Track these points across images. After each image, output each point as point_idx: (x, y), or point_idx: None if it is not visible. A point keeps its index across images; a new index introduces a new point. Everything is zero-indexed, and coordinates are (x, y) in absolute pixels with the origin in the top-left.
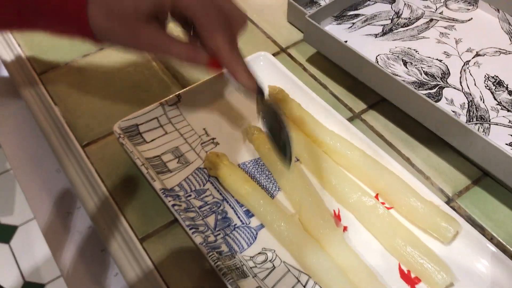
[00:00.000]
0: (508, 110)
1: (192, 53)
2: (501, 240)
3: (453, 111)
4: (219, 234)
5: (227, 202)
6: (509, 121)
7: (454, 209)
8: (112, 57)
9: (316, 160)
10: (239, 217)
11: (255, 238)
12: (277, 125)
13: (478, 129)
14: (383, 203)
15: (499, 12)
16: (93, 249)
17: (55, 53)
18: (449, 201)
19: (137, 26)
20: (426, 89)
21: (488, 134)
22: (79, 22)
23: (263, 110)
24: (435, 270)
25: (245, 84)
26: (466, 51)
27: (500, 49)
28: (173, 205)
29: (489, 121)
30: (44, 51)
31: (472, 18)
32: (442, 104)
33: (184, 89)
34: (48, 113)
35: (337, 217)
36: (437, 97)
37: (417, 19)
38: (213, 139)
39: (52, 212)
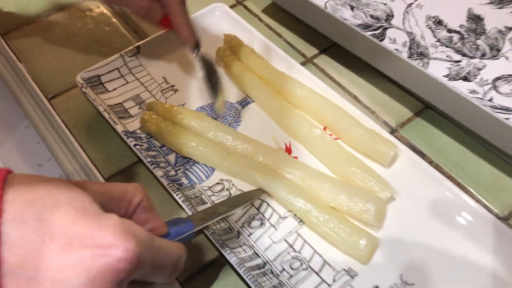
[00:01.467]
0: (446, 46)
1: (149, 8)
2: (440, 164)
3: (396, 49)
4: (180, 169)
5: None
6: (447, 55)
7: (397, 138)
8: (73, 16)
9: (269, 100)
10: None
11: (213, 170)
12: (212, 71)
13: (418, 63)
14: (330, 135)
15: None
16: None
17: (19, 14)
18: (392, 132)
19: None
20: (371, 31)
21: (428, 68)
22: None
23: (201, 62)
24: (376, 185)
25: (185, 39)
26: None
27: None
28: (135, 145)
29: (429, 57)
30: (6, 12)
31: None
32: (385, 43)
33: (143, 41)
34: (13, 70)
35: (288, 150)
36: (381, 37)
37: None
38: (172, 86)
39: (24, 165)
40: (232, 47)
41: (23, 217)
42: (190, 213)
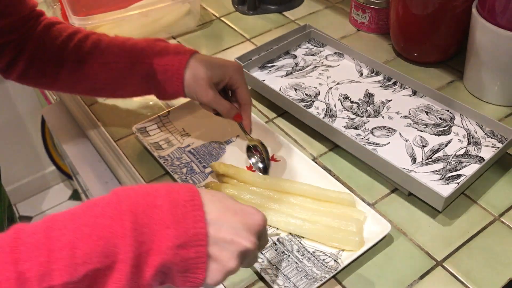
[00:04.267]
0: (348, 110)
1: (231, 110)
2: (340, 176)
3: (317, 113)
4: (188, 175)
5: (194, 162)
6: (347, 116)
7: (317, 163)
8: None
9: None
10: (199, 168)
11: (207, 176)
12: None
13: (329, 120)
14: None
15: (354, 60)
16: None
17: None
18: (314, 159)
19: (207, 87)
20: (304, 103)
21: (334, 122)
22: (178, 81)
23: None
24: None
25: (247, 129)
26: (332, 82)
27: (351, 80)
28: (164, 162)
29: (336, 116)
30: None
31: (339, 65)
32: (312, 110)
33: (171, 108)
34: (94, 127)
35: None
36: (310, 106)
37: (307, 66)
38: (187, 133)
39: (98, 183)
40: (222, 174)
41: (213, 203)
42: None
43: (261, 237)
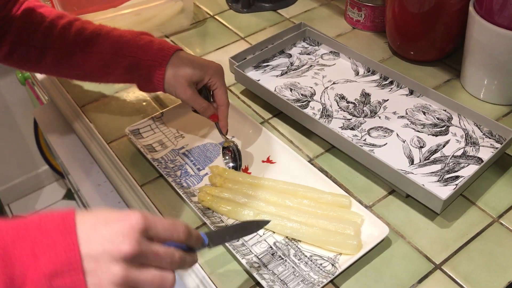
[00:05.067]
0: (344, 111)
1: (207, 109)
2: (336, 178)
3: (313, 113)
4: (183, 178)
5: (188, 165)
6: (343, 116)
7: (313, 165)
8: (129, 96)
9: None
10: (193, 171)
11: (201, 179)
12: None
13: (325, 121)
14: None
15: (350, 59)
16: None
17: (92, 94)
18: (310, 160)
19: (186, 85)
20: (300, 103)
21: (330, 123)
22: (159, 77)
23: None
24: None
25: (223, 130)
26: (328, 81)
27: (347, 79)
28: (157, 165)
29: (332, 117)
30: (86, 89)
31: (335, 64)
32: (307, 110)
33: (164, 109)
34: (86, 128)
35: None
36: (306, 106)
37: (303, 66)
38: (181, 134)
39: (90, 186)
40: (219, 174)
41: (85, 220)
42: (199, 214)
43: (155, 235)
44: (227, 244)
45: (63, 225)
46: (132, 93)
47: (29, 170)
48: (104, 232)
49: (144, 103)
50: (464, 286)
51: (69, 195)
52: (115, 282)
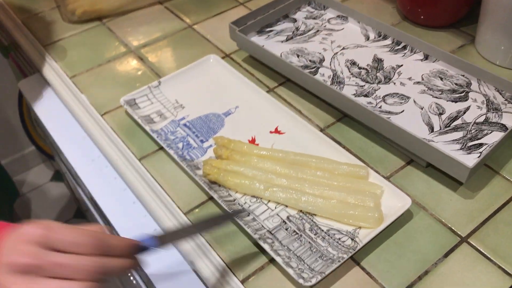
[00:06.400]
0: (356, 77)
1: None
2: (350, 148)
3: (324, 80)
4: (185, 151)
5: (190, 136)
6: (356, 83)
7: (325, 135)
8: (121, 63)
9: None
10: (196, 143)
11: (205, 152)
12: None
13: (337, 87)
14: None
15: (359, 23)
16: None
17: (83, 63)
18: (321, 130)
19: None
20: (309, 69)
21: (342, 90)
22: None
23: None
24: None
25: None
26: (337, 47)
27: (357, 44)
28: (157, 136)
29: (344, 83)
30: (73, 60)
31: (344, 28)
32: (317, 76)
33: (162, 78)
34: (77, 99)
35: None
36: (315, 73)
37: (309, 31)
38: (180, 104)
39: (83, 158)
40: (223, 144)
41: None
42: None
43: (61, 246)
44: (238, 220)
45: None
46: (126, 62)
47: (14, 151)
48: (7, 244)
49: (139, 72)
50: (493, 259)
51: (57, 176)
52: None
